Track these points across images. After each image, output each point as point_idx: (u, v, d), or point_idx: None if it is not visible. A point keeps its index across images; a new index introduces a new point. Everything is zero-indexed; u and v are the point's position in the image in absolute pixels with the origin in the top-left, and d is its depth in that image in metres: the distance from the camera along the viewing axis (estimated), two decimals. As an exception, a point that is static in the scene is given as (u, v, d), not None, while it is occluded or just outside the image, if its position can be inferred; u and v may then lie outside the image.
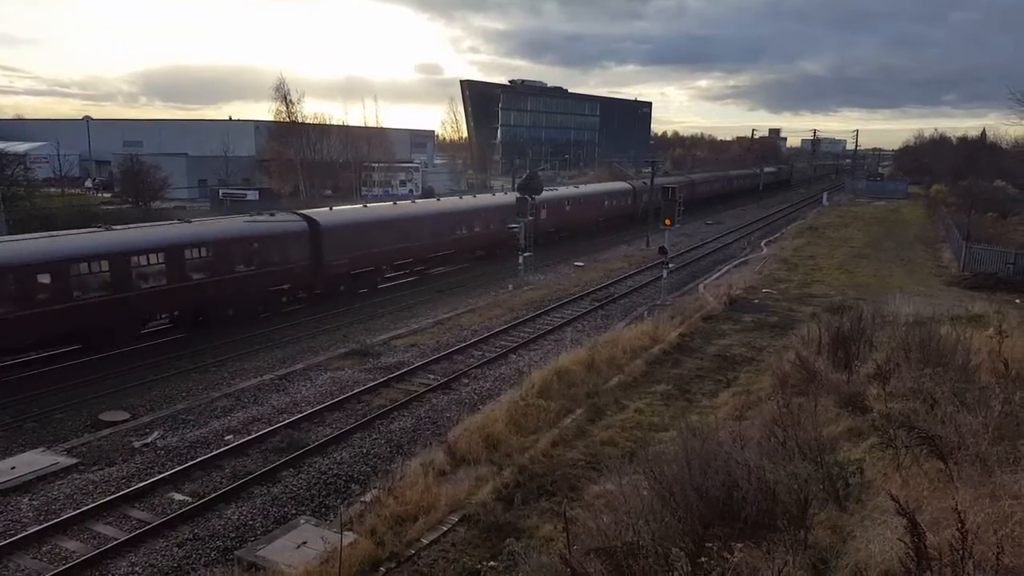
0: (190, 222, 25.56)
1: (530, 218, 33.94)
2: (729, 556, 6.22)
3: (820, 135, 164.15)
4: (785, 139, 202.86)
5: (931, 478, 8.07)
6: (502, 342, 23.17)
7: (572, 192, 48.50)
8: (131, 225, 24.65)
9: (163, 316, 23.55)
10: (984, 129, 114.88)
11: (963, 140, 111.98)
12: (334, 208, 31.54)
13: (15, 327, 18.21)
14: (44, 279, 18.96)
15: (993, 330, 15.14)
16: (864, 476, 8.74)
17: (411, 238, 31.74)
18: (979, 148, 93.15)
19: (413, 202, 37.79)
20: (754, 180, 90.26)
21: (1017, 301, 27.79)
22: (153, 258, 21.56)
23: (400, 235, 31.13)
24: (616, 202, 52.55)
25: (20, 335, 18.59)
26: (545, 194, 41.28)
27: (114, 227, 23.09)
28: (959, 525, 5.52)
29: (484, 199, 41.47)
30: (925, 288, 30.44)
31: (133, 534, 11.61)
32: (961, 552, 5.52)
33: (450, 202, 38.64)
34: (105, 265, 20.23)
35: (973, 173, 72.25)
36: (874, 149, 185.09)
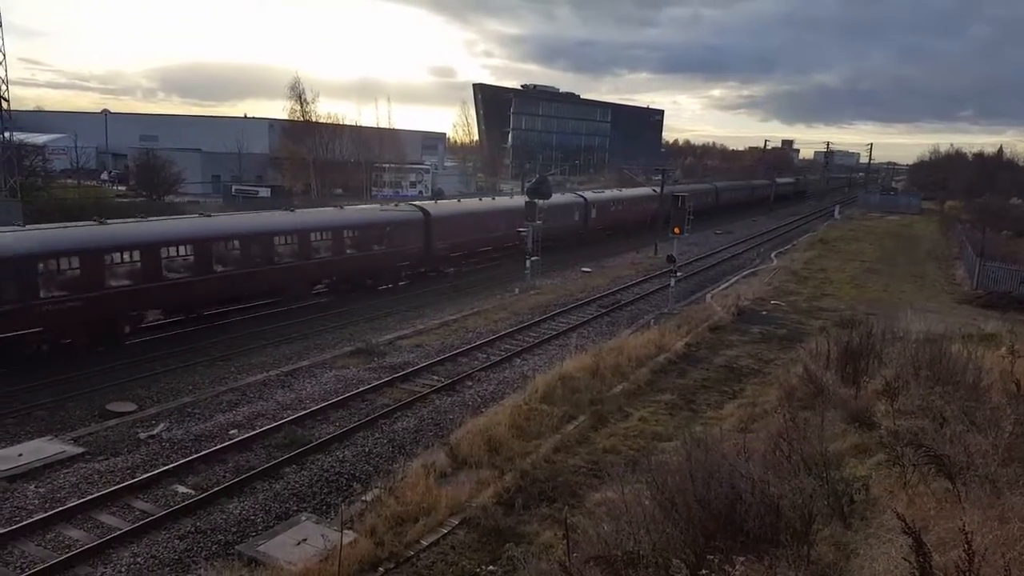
0: (343, 208, 33.05)
1: (576, 219, 42.75)
2: (730, 569, 6.17)
3: (834, 148, 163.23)
4: (798, 151, 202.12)
5: (938, 498, 7.97)
6: (507, 345, 23.14)
7: (617, 195, 55.36)
8: (310, 210, 32.56)
9: (325, 281, 29.06)
10: (1001, 146, 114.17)
11: (979, 156, 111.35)
12: (439, 202, 38.55)
13: (254, 279, 24.72)
14: (273, 245, 25.76)
15: (1005, 349, 15.01)
16: (870, 493, 8.65)
17: (492, 229, 37.51)
18: (996, 165, 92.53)
19: (494, 199, 45.36)
20: (769, 190, 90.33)
21: (1030, 321, 27.49)
22: (324, 235, 27.72)
23: (484, 226, 36.98)
24: (652, 205, 57.64)
25: (252, 287, 24.89)
26: (596, 196, 50.12)
27: (299, 210, 30.75)
28: (966, 546, 5.44)
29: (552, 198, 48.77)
30: (937, 305, 30.20)
31: (136, 525, 11.64)
32: (967, 574, 5.44)
33: (522, 199, 44.60)
34: (296, 239, 26.39)
35: (989, 190, 71.74)
36: (888, 163, 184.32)
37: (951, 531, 6.46)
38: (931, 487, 8.24)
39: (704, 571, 6.49)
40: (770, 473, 8.45)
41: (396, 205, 33.90)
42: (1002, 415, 9.73)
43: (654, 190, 58.39)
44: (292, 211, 29.65)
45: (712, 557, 6.67)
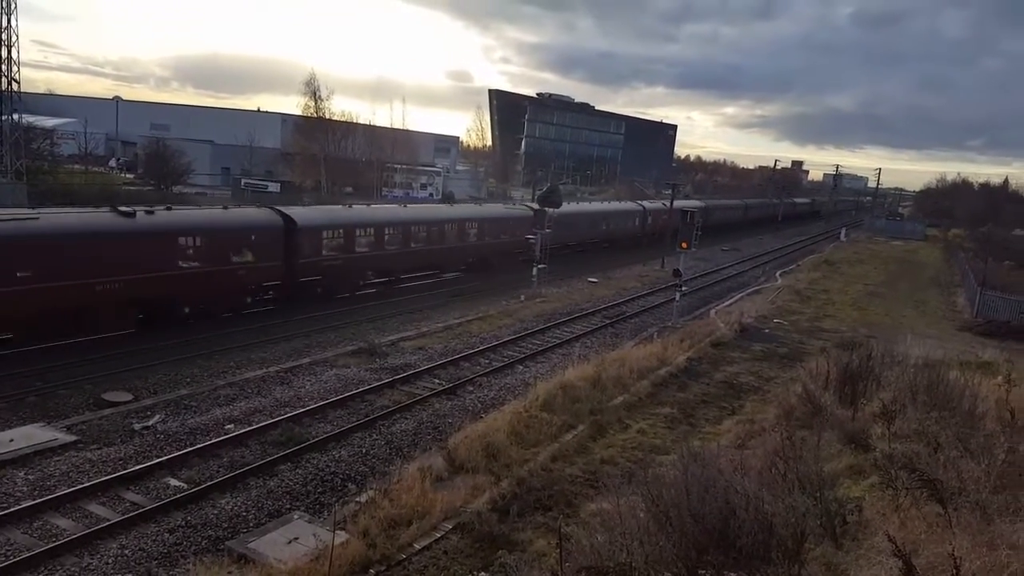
0: (481, 204, 42.95)
1: (605, 227, 47.74)
2: (720, 585, 6.19)
3: (843, 171, 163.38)
4: (807, 172, 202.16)
5: (929, 522, 7.99)
6: (510, 352, 23.17)
7: (719, 203, 68.74)
8: (465, 205, 42.05)
9: (463, 263, 36.29)
10: (1007, 177, 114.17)
11: (985, 186, 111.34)
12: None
13: (420, 256, 32.76)
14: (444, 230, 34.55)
15: (1002, 378, 14.97)
16: (862, 515, 8.67)
17: (578, 232, 45.20)
18: (1001, 196, 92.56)
19: (577, 203, 52.35)
20: (783, 208, 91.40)
21: (1030, 351, 27.46)
22: (472, 224, 36.46)
23: (570, 229, 42.94)
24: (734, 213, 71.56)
25: (415, 264, 32.80)
26: (651, 205, 58.19)
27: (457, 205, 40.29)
28: (955, 571, 5.46)
29: (612, 205, 57.02)
30: (937, 331, 30.19)
31: (125, 516, 11.62)
32: (955, 600, 5.47)
33: (597, 205, 54.74)
34: (455, 227, 35.33)
35: (993, 220, 71.72)
36: (896, 188, 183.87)
37: (941, 556, 6.48)
38: (923, 511, 8.26)
39: (694, 585, 6.51)
40: (765, 490, 8.47)
41: (514, 204, 44.80)
42: (996, 443, 9.74)
43: (703, 203, 65.68)
44: (451, 205, 40.72)
45: (704, 572, 6.69)
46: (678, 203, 51.65)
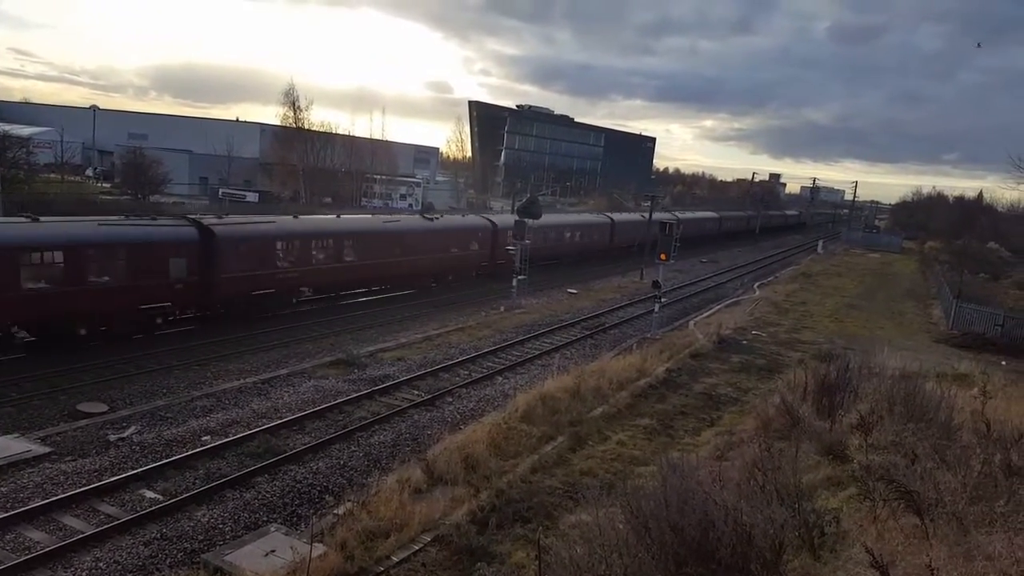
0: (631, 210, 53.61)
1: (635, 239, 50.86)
2: (700, 597, 6.18)
3: (820, 183, 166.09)
4: (784, 184, 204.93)
5: (907, 533, 8.05)
6: (489, 363, 23.11)
7: (691, 216, 67.22)
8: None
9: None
10: (981, 191, 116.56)
11: (960, 200, 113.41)
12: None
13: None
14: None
15: (977, 390, 15.21)
16: (840, 526, 8.72)
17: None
18: (975, 209, 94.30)
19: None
20: (767, 220, 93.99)
21: (1003, 363, 27.94)
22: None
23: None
24: (709, 225, 73.57)
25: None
26: (684, 216, 61.14)
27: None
28: (932, 583, 5.50)
29: (624, 215, 59.47)
30: (913, 343, 30.58)
31: (100, 529, 11.43)
32: (932, 610, 5.50)
33: (564, 217, 54.75)
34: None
35: (968, 233, 73.06)
36: (872, 201, 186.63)
37: (918, 567, 6.53)
38: (900, 522, 8.33)
39: (674, 597, 6.50)
40: (743, 502, 8.49)
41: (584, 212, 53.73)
42: (972, 454, 9.87)
43: (717, 214, 73.52)
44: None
45: (682, 584, 6.69)
46: (656, 216, 52.01)
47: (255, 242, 25.65)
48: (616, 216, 57.06)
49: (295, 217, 31.15)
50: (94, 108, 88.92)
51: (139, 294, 21.73)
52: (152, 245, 22.41)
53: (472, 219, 40.97)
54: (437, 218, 37.79)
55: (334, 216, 35.82)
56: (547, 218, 44.29)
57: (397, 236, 32.37)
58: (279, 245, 26.66)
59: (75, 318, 20.56)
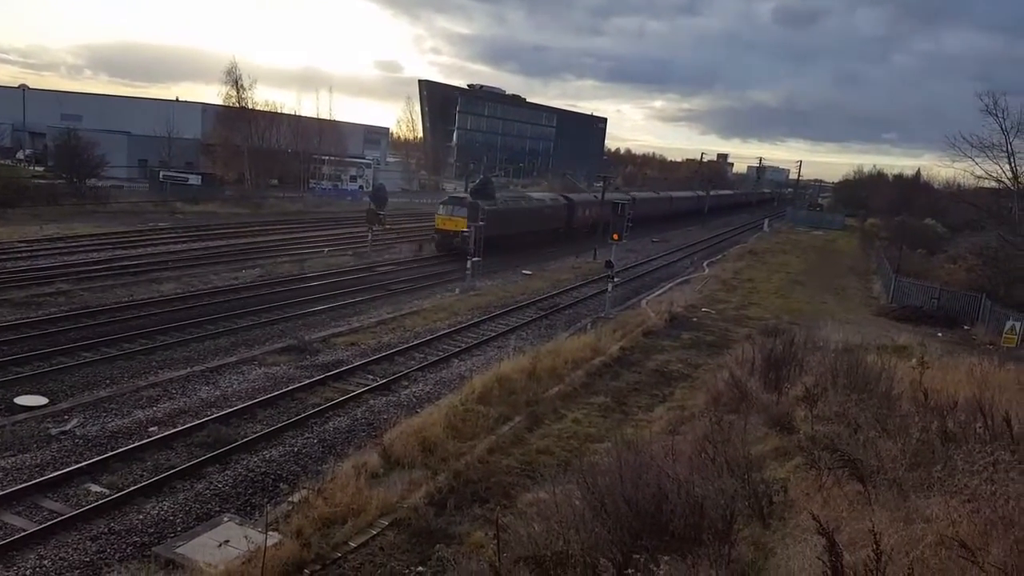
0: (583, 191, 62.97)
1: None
2: (655, 568, 6.32)
3: (766, 163, 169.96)
4: (732, 164, 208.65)
5: (850, 500, 8.37)
6: (445, 345, 23.05)
7: (650, 196, 72.00)
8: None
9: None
10: (919, 169, 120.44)
11: (899, 178, 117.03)
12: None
13: None
14: None
15: (916, 361, 15.87)
16: (788, 495, 9.00)
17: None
18: (913, 187, 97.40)
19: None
20: (703, 202, 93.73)
21: (939, 335, 29.18)
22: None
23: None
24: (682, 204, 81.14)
25: None
26: (641, 195, 65.24)
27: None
28: (874, 546, 5.73)
29: (583, 196, 61.57)
30: (855, 317, 31.66)
31: (44, 525, 11.03)
32: (875, 572, 5.74)
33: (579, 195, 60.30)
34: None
35: (906, 210, 75.59)
36: (816, 180, 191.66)
37: (861, 531, 6.79)
38: (844, 489, 8.64)
39: (630, 570, 6.62)
40: (695, 474, 8.70)
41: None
42: (911, 423, 10.29)
43: (698, 193, 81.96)
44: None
45: (638, 556, 6.82)
46: (609, 196, 52.43)
47: None
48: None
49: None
50: (23, 87, 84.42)
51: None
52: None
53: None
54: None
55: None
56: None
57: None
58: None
59: None
